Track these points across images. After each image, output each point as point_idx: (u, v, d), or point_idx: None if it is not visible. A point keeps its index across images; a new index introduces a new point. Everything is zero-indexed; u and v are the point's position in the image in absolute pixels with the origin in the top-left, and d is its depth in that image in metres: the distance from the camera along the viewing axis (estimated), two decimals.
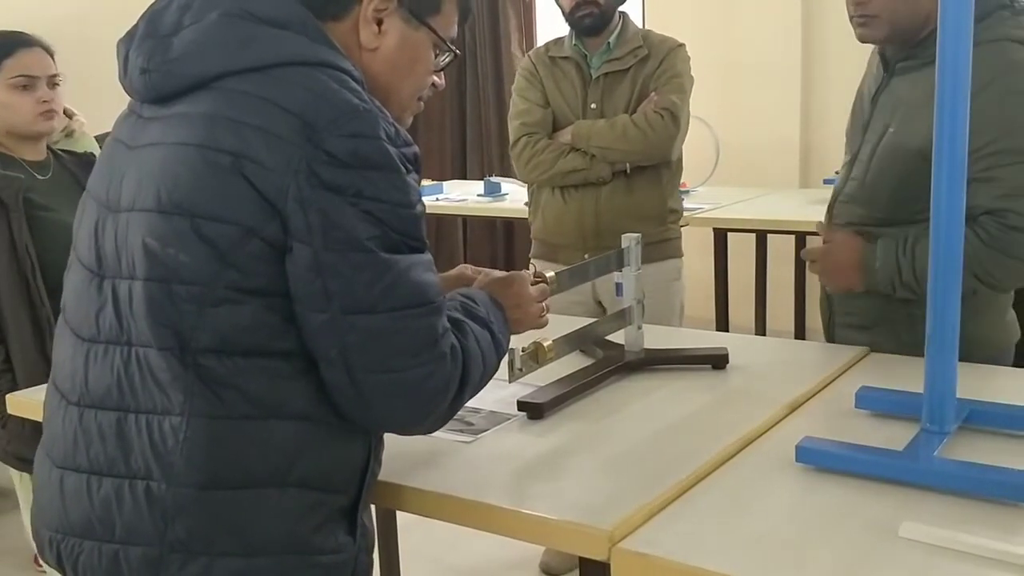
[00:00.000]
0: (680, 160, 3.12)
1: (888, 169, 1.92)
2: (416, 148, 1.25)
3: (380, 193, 1.17)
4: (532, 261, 3.17)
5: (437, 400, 1.25)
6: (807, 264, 1.99)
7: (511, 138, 3.09)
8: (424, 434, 1.34)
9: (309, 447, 1.22)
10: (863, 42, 1.97)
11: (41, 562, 1.33)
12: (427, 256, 1.24)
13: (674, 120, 2.92)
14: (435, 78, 1.42)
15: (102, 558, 1.22)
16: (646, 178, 2.99)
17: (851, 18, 1.94)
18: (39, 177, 2.49)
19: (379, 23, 1.31)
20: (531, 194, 3.18)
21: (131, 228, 1.22)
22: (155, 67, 1.24)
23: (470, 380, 1.30)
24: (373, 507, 1.39)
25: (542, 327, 1.60)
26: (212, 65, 1.21)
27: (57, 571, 1.30)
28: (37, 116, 2.46)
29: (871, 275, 1.88)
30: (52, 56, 2.52)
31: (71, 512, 1.25)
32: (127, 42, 1.29)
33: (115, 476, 1.21)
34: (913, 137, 1.83)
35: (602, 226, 2.96)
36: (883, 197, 1.93)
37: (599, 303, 3.04)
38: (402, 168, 1.20)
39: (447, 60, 1.42)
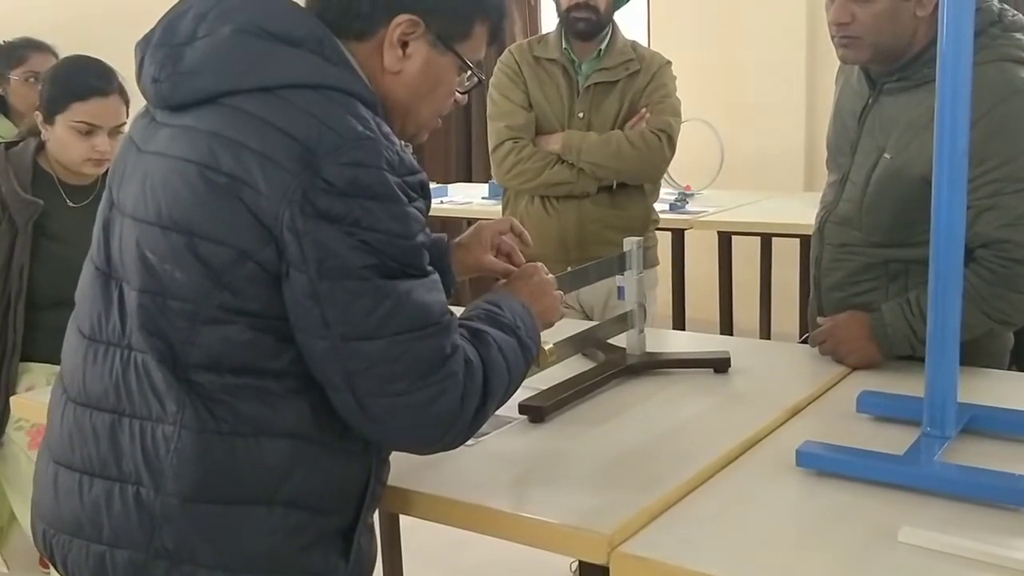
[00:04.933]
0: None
1: (888, 195, 1.89)
2: (423, 176, 1.23)
3: (377, 223, 1.15)
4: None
5: (450, 419, 1.22)
6: (817, 348, 1.93)
7: (493, 140, 2.96)
8: (445, 450, 1.31)
9: (300, 466, 1.21)
10: (845, 63, 1.95)
11: (48, 564, 1.34)
12: (430, 280, 1.22)
13: (670, 142, 2.86)
14: (457, 96, 1.40)
15: (89, 558, 1.23)
16: (631, 191, 2.92)
17: (832, 38, 1.91)
18: (70, 204, 2.44)
19: (404, 46, 1.29)
20: (506, 199, 3.07)
21: (132, 236, 1.23)
22: (165, 77, 1.23)
23: (493, 391, 1.27)
24: (376, 509, 1.39)
25: (560, 318, 1.56)
26: (221, 82, 1.20)
27: (49, 561, 1.31)
28: (85, 161, 2.39)
29: (886, 341, 1.85)
30: (127, 104, 2.43)
31: (63, 509, 1.26)
32: (143, 46, 1.28)
33: (106, 478, 1.22)
34: (914, 163, 1.81)
35: (585, 238, 2.88)
36: (883, 222, 1.91)
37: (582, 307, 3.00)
38: (402, 198, 1.18)
39: (471, 84, 1.39)
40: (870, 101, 1.96)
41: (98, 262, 1.30)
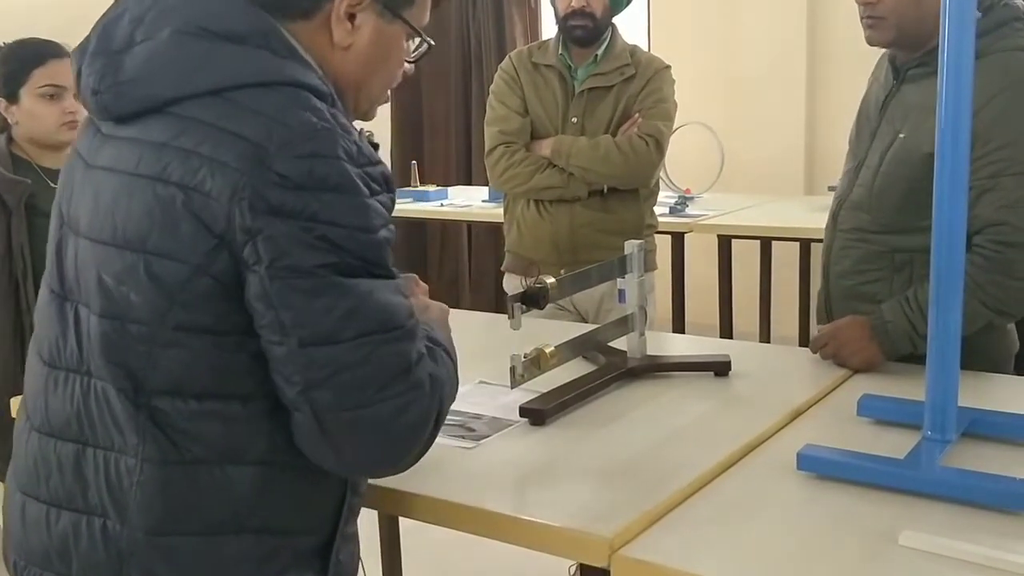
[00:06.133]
0: (658, 179, 3.06)
1: (898, 173, 1.92)
2: (385, 167, 1.17)
3: (337, 216, 1.09)
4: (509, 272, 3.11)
5: (416, 434, 1.16)
6: (819, 352, 1.93)
7: (487, 145, 3.00)
8: (400, 471, 1.25)
9: (271, 493, 1.16)
10: (871, 44, 1.98)
11: None
12: (393, 281, 1.15)
13: (658, 147, 2.87)
14: (407, 66, 1.34)
15: None
16: (624, 195, 2.93)
17: (861, 20, 1.95)
18: (52, 185, 2.49)
19: (352, 19, 1.23)
20: (506, 203, 3.11)
21: (89, 257, 1.18)
22: (105, 88, 1.17)
23: (445, 410, 1.21)
24: (376, 512, 1.38)
25: None
26: (164, 89, 1.14)
27: None
28: (61, 126, 2.46)
29: (886, 339, 1.85)
30: None
31: (31, 540, 1.22)
32: (79, 56, 1.21)
33: (73, 510, 1.18)
34: (923, 141, 1.83)
35: (578, 241, 2.90)
36: (891, 202, 1.93)
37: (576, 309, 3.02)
38: (363, 190, 1.11)
39: (421, 51, 1.34)
40: (893, 90, 2.00)
41: (52, 284, 1.24)
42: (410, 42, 1.32)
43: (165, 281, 1.11)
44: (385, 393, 1.11)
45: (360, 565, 1.36)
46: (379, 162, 1.16)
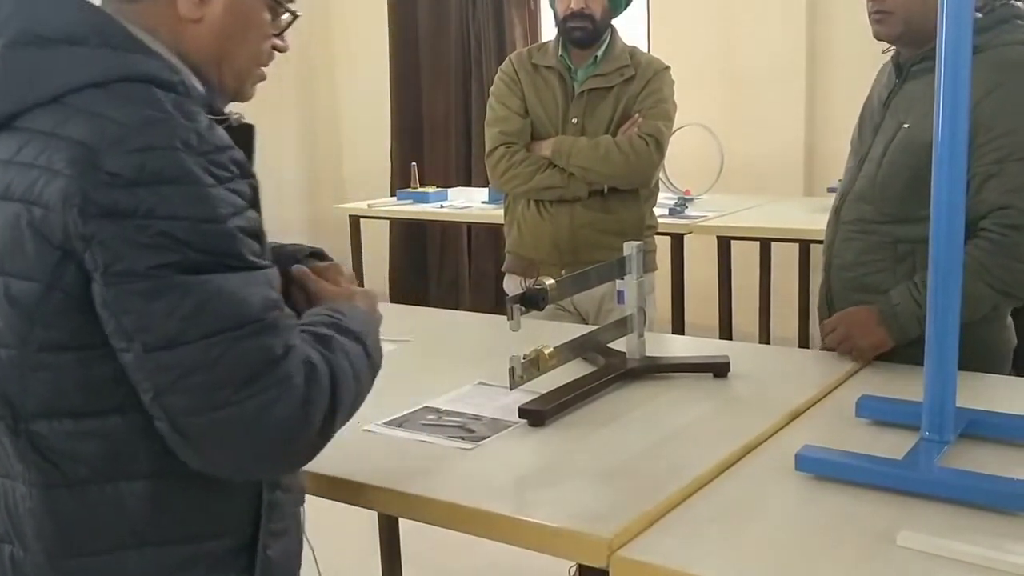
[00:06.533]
0: (658, 180, 3.07)
1: (901, 162, 1.94)
2: (236, 152, 1.11)
3: (177, 210, 1.03)
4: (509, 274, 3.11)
5: (293, 430, 1.08)
6: (828, 337, 1.96)
7: (488, 146, 3.01)
8: (290, 472, 1.21)
9: (169, 503, 1.13)
10: (878, 39, 2.01)
11: None
12: (257, 273, 1.09)
13: (658, 147, 2.88)
14: (276, 41, 1.29)
15: None
16: (624, 195, 2.94)
17: (869, 15, 1.98)
18: None
19: None
20: (507, 204, 3.11)
21: None
22: None
23: (341, 401, 1.14)
24: (376, 512, 1.38)
25: None
26: (4, 106, 1.11)
27: None
28: None
29: (895, 322, 1.88)
30: None
31: None
32: None
33: None
34: (927, 130, 1.84)
35: (578, 241, 2.91)
36: (895, 191, 1.95)
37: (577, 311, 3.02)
38: (204, 179, 1.06)
39: (286, 22, 1.29)
40: (896, 87, 2.02)
41: None
42: (279, 19, 1.28)
43: (22, 302, 1.08)
44: (245, 392, 1.05)
45: (310, 548, 1.33)
46: (229, 147, 1.11)
